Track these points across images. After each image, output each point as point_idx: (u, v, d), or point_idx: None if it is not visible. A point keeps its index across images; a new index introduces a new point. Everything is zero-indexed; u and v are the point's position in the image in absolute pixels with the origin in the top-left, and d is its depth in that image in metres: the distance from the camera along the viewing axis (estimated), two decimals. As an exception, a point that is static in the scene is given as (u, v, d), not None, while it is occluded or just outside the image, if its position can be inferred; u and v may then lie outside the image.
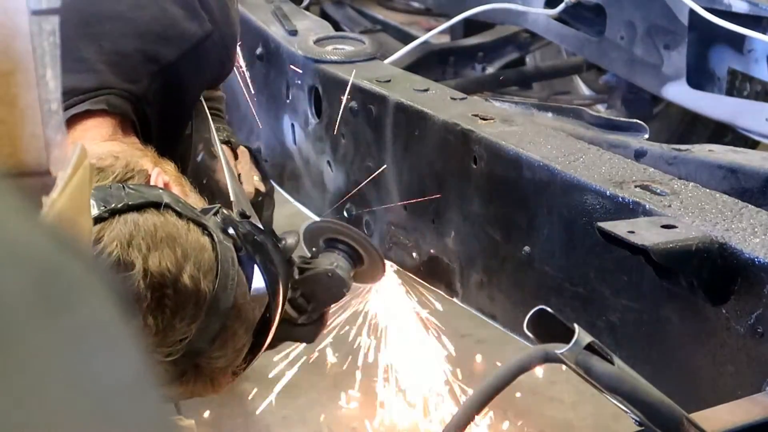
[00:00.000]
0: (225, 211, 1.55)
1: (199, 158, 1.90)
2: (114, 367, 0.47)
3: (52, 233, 0.50)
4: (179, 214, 1.44)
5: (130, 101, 1.65)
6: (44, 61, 0.83)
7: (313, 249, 1.94)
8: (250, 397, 2.46)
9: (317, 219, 2.03)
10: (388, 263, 1.97)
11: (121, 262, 1.36)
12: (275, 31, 2.30)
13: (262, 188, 1.96)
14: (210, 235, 1.45)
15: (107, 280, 0.50)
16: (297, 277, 1.83)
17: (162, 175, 1.54)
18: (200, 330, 1.43)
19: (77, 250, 0.49)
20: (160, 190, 1.48)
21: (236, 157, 1.96)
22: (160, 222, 1.42)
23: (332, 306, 1.91)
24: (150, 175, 1.52)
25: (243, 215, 1.61)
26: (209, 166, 1.87)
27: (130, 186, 1.45)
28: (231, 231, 1.51)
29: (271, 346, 1.89)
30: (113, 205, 1.39)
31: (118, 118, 1.64)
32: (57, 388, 0.43)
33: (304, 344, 2.34)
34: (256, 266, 1.55)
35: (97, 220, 1.38)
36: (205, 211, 1.51)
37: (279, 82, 2.27)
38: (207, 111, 1.90)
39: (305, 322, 1.85)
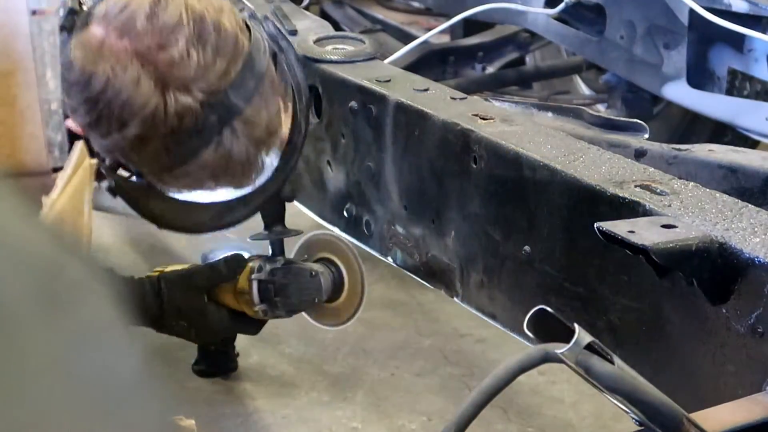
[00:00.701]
0: (251, 7, 1.59)
1: None
2: (115, 366, 0.47)
3: (53, 234, 0.50)
4: None
5: None
6: (44, 61, 0.83)
7: (305, 256, 1.95)
8: (249, 397, 2.46)
9: (320, 232, 2.03)
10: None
11: None
12: (275, 31, 2.29)
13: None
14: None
15: (107, 279, 0.50)
16: (280, 266, 1.85)
17: None
18: (237, 84, 1.46)
19: (77, 251, 0.49)
20: None
21: None
22: None
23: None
24: None
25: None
26: None
27: None
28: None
29: (231, 332, 1.91)
30: None
31: None
32: (59, 387, 0.43)
33: (304, 343, 2.33)
34: (281, 63, 1.60)
35: None
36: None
37: (279, 82, 2.26)
38: None
39: (260, 311, 1.87)
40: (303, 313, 1.99)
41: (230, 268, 1.88)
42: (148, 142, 1.42)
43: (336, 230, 2.07)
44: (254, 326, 1.98)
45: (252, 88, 1.49)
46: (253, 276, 1.85)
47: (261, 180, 1.69)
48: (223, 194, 1.66)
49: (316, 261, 1.94)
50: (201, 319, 1.89)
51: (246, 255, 1.98)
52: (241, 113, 1.48)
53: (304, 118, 1.78)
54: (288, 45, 1.66)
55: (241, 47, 1.47)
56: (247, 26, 1.53)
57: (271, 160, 1.61)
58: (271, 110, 1.55)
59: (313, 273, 1.87)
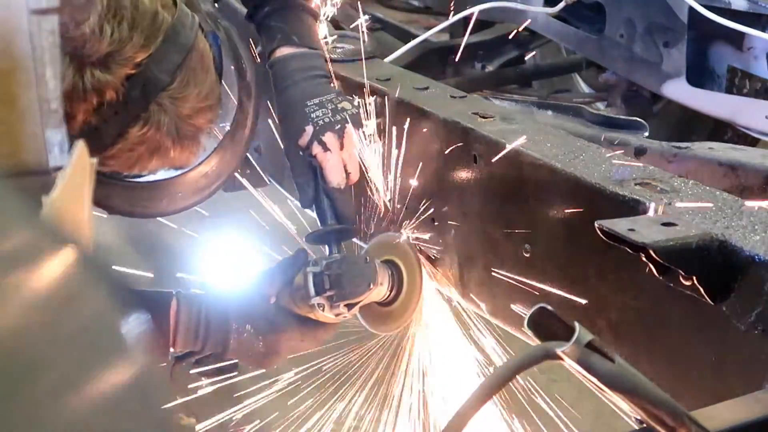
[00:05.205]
0: None
1: None
2: (115, 367, 0.47)
3: (53, 233, 0.50)
4: None
5: None
6: (44, 60, 0.83)
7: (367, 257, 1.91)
8: (249, 397, 2.46)
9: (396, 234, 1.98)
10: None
11: None
12: (275, 30, 2.29)
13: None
14: None
15: (107, 280, 0.50)
16: (338, 256, 1.81)
17: None
18: (159, 57, 1.46)
19: (77, 250, 0.49)
20: None
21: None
22: None
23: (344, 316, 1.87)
24: None
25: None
26: None
27: None
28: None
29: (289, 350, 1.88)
30: None
31: None
32: (60, 387, 0.43)
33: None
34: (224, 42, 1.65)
35: None
36: None
37: (279, 81, 2.26)
38: None
39: (316, 304, 1.80)
40: (357, 314, 1.92)
41: (291, 266, 1.83)
42: (74, 120, 1.43)
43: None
44: (320, 330, 1.89)
45: (176, 62, 1.48)
46: (308, 269, 1.80)
47: (201, 157, 1.69)
48: (165, 173, 1.66)
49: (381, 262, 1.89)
50: (268, 324, 1.84)
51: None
52: (166, 88, 1.48)
53: (246, 96, 1.77)
54: (230, 27, 1.66)
55: (160, 22, 1.47)
56: (175, 2, 1.53)
57: (210, 137, 1.62)
58: (201, 85, 1.54)
59: (368, 259, 1.83)
